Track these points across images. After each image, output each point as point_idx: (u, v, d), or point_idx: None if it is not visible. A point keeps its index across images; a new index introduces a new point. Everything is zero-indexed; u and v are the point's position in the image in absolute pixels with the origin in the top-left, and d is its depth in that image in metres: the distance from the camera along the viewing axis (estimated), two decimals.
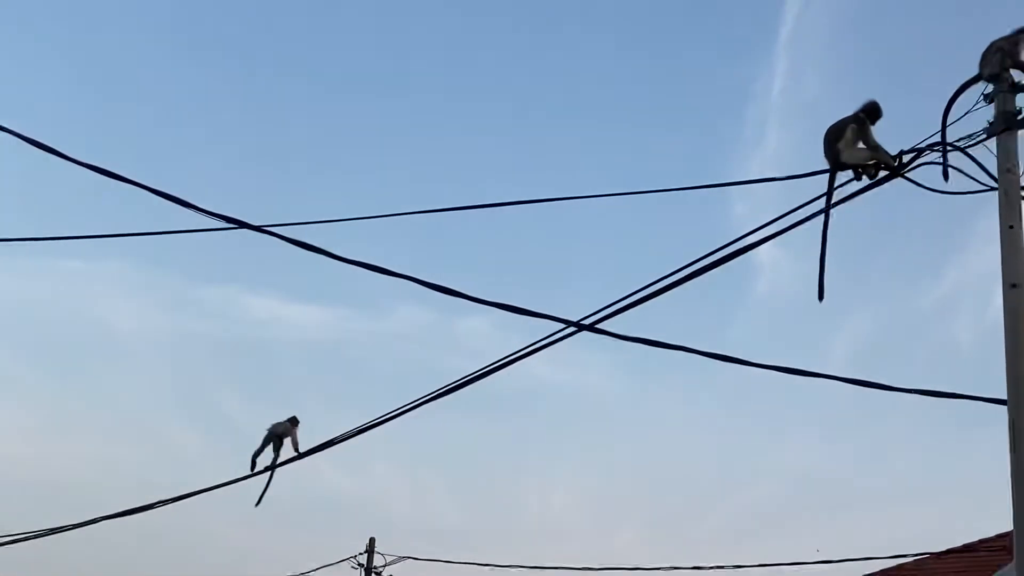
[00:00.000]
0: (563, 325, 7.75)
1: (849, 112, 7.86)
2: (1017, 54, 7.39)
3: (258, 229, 7.78)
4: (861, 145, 7.75)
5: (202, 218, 7.65)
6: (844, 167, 7.73)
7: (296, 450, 12.11)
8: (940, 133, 7.43)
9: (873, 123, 7.81)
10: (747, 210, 21.03)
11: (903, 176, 7.61)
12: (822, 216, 7.60)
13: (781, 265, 22.21)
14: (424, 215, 8.37)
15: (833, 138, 7.77)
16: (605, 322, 7.62)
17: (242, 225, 7.81)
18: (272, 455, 12.34)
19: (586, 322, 7.67)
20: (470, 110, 26.17)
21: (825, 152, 7.79)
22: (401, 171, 26.29)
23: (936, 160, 7.48)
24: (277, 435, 12.45)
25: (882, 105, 7.84)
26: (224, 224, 7.78)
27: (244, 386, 22.77)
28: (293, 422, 12.51)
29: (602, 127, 25.76)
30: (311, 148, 26.74)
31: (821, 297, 7.58)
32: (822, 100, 21.88)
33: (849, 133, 7.74)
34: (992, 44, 7.46)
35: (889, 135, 7.74)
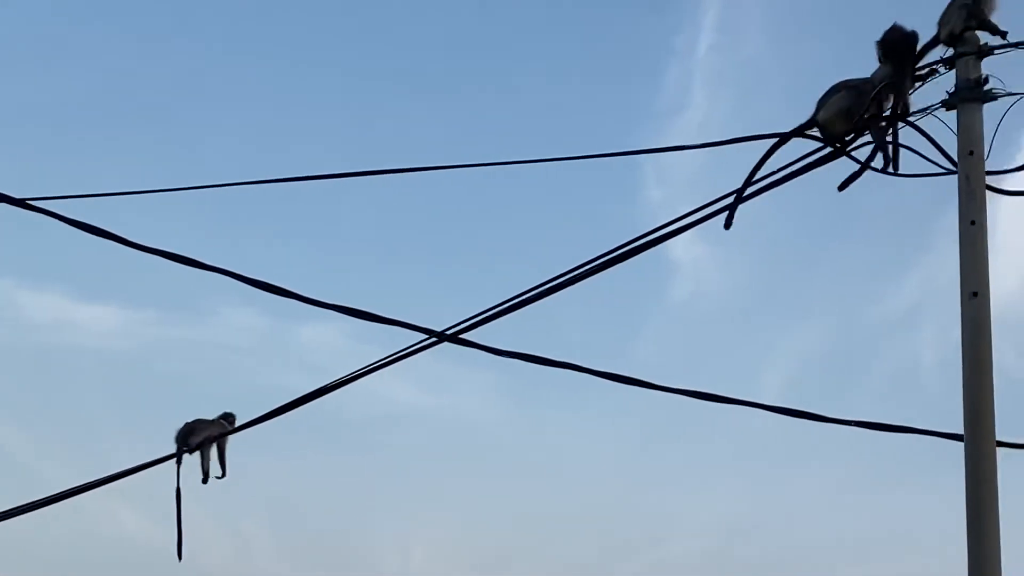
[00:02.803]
0: (424, 336, 6.09)
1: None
2: (983, 11, 6.09)
3: (21, 204, 5.97)
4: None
5: None
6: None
7: (222, 466, 8.62)
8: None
9: None
10: (665, 197, 18.72)
11: (847, 155, 6.26)
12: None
13: (704, 266, 19.71)
14: (260, 186, 6.61)
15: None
16: (475, 331, 6.00)
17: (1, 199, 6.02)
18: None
19: (450, 331, 6.03)
20: (336, 65, 21.97)
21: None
22: (238, 133, 21.67)
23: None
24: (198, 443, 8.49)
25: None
26: None
27: (20, 408, 19.68)
28: (229, 420, 8.51)
29: (469, 90, 21.74)
30: (97, 98, 21.44)
31: (728, 225, 6.22)
32: (760, 58, 19.42)
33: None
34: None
35: None
